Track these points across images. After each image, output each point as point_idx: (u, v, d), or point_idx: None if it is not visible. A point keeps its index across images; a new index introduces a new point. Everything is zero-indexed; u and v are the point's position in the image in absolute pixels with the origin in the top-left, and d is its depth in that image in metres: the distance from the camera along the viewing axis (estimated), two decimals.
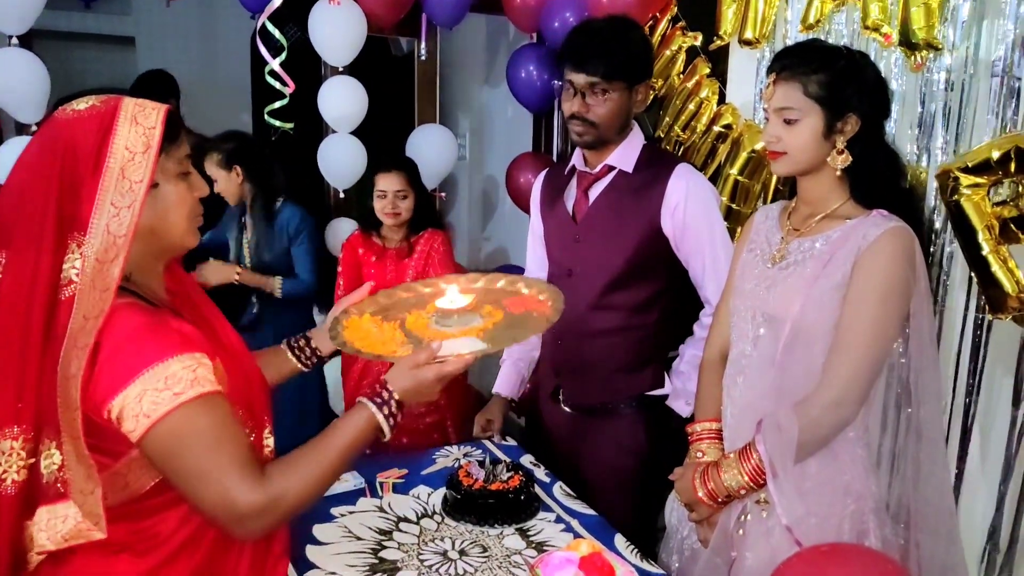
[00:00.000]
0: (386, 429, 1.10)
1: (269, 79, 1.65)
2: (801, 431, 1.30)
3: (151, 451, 0.96)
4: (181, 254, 1.11)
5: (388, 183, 2.44)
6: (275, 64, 1.62)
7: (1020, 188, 1.49)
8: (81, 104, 0.97)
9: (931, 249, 1.72)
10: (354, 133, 2.91)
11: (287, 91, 1.68)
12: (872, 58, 1.46)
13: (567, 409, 1.92)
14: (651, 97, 1.81)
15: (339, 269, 2.61)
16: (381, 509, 1.63)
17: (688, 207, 1.73)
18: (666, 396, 1.87)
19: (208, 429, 0.96)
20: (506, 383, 2.06)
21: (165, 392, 0.93)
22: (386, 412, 1.10)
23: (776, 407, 1.35)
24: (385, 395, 1.11)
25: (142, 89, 3.39)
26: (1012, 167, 1.48)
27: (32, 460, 0.95)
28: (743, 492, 1.37)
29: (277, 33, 1.63)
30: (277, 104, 1.69)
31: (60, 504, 0.95)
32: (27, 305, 0.92)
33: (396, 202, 2.44)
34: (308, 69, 3.21)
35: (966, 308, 1.69)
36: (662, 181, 1.75)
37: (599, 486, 1.86)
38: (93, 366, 0.92)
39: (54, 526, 0.95)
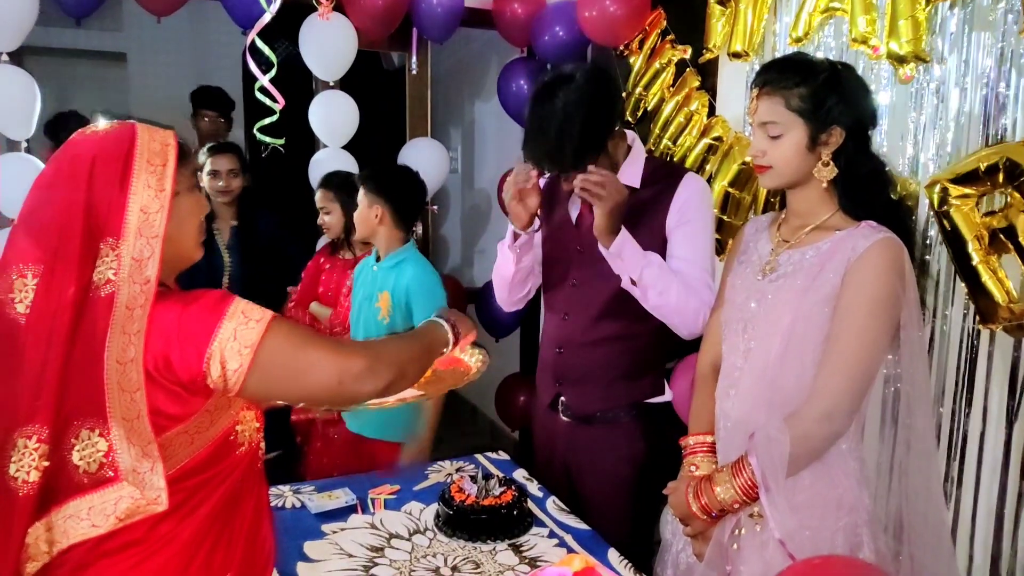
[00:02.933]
0: (448, 330, 1.35)
1: (259, 95, 1.65)
2: (793, 444, 1.30)
3: (260, 375, 1.06)
4: (186, 267, 1.19)
5: (318, 200, 2.61)
6: (265, 80, 1.63)
7: (1009, 199, 1.50)
8: (100, 125, 1.07)
9: (926, 259, 1.72)
10: (346, 147, 2.91)
11: (277, 107, 1.68)
12: (860, 70, 1.46)
13: (565, 419, 1.91)
14: (628, 117, 1.77)
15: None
16: (373, 526, 1.62)
17: (690, 203, 1.74)
18: (665, 404, 1.87)
19: (296, 332, 1.11)
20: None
21: (249, 323, 1.05)
22: (449, 320, 1.37)
23: (768, 420, 1.35)
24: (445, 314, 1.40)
25: (200, 100, 3.54)
26: (1001, 178, 1.48)
27: (46, 463, 0.99)
28: (736, 506, 1.36)
29: (266, 49, 1.63)
30: (267, 120, 1.69)
31: (109, 488, 1.01)
32: (54, 314, 0.99)
33: (322, 217, 2.63)
34: (299, 84, 3.22)
35: (963, 320, 1.69)
36: (669, 192, 1.75)
37: (597, 497, 1.86)
38: (174, 337, 1.02)
39: (104, 510, 1.01)
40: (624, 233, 1.66)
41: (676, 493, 1.48)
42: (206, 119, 3.48)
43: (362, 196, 2.26)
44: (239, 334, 1.04)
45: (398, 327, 2.26)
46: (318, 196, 2.62)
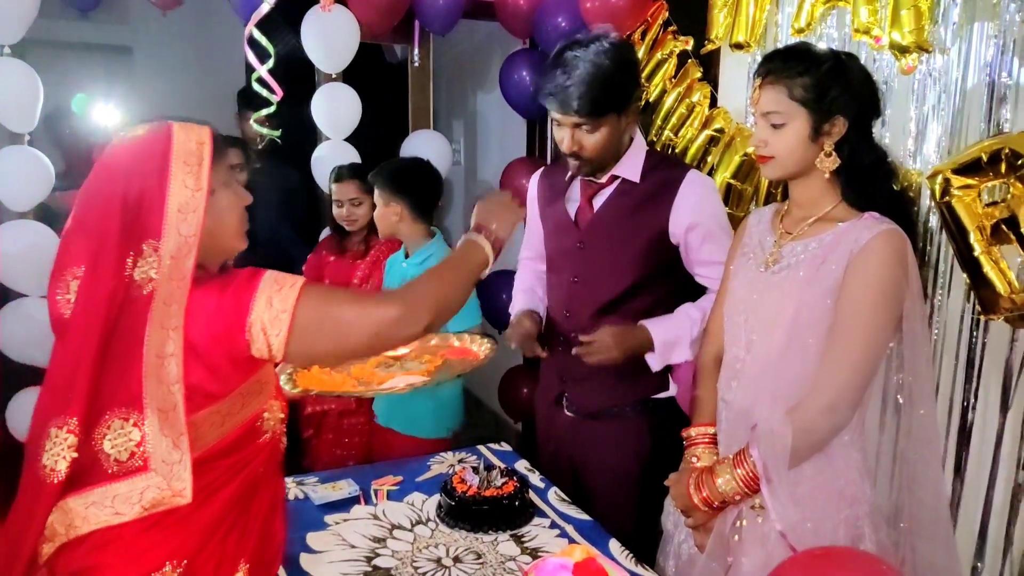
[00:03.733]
0: (485, 246, 1.37)
1: (256, 86, 1.66)
2: (795, 436, 1.30)
3: (300, 336, 1.10)
4: (231, 257, 1.23)
5: (342, 192, 2.53)
6: (263, 71, 1.63)
7: (1011, 189, 1.49)
8: (137, 131, 1.11)
9: (928, 250, 1.72)
10: (348, 139, 2.91)
11: (274, 99, 1.69)
12: (863, 60, 1.46)
13: (570, 414, 1.91)
14: (642, 105, 1.78)
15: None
16: (375, 516, 1.63)
17: (704, 220, 1.72)
18: (670, 399, 1.87)
19: (329, 292, 1.20)
20: (527, 303, 2.00)
21: (284, 289, 1.11)
22: (487, 233, 1.39)
23: (771, 412, 1.35)
24: (479, 230, 1.40)
25: (247, 100, 3.38)
26: (1003, 168, 1.48)
27: (75, 454, 1.03)
28: (738, 498, 1.37)
29: (264, 40, 1.63)
30: (263, 112, 1.70)
31: (137, 477, 1.04)
32: (92, 310, 1.04)
33: (351, 209, 2.55)
34: (302, 76, 3.22)
35: (963, 310, 1.68)
36: (671, 189, 1.73)
37: (602, 491, 1.86)
38: (216, 315, 1.08)
39: (130, 498, 1.04)
40: (653, 335, 1.74)
41: (678, 485, 1.48)
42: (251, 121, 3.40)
43: (377, 196, 2.25)
44: (275, 301, 1.09)
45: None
46: (347, 187, 2.52)
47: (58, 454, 1.03)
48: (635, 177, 1.76)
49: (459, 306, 1.31)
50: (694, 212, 1.72)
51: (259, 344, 1.09)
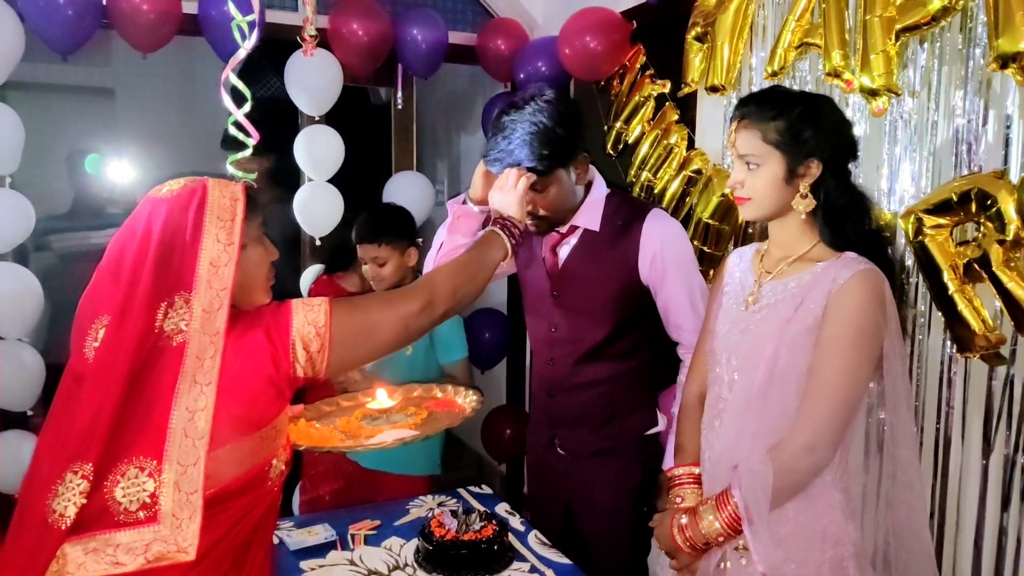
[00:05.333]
0: (505, 239, 1.46)
1: (232, 130, 1.67)
2: (776, 476, 1.29)
3: (341, 348, 1.17)
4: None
5: (365, 252, 2.37)
6: (239, 114, 1.64)
7: (982, 228, 1.52)
8: (174, 185, 1.15)
9: (906, 289, 1.73)
10: (331, 181, 2.92)
11: (251, 142, 1.70)
12: (836, 102, 1.49)
13: (562, 453, 1.90)
14: (588, 163, 1.76)
15: None
16: (352, 562, 1.59)
17: (665, 255, 1.73)
18: (659, 434, 1.86)
19: (354, 302, 1.24)
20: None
21: (313, 308, 1.17)
22: (500, 225, 1.48)
23: (751, 451, 1.34)
24: (498, 223, 1.49)
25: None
26: (973, 207, 1.50)
27: (84, 500, 1.01)
28: (721, 539, 1.35)
29: (240, 85, 1.65)
30: (239, 155, 1.71)
31: (145, 528, 1.03)
32: (116, 359, 1.04)
33: (376, 269, 2.36)
34: (287, 119, 3.24)
35: (942, 348, 1.69)
36: (635, 231, 1.74)
37: (595, 529, 1.85)
38: (257, 351, 1.12)
39: (134, 548, 1.03)
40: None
41: (661, 526, 1.46)
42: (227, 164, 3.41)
43: (390, 250, 2.27)
44: (309, 319, 1.16)
45: (419, 359, 2.32)
46: (373, 250, 2.30)
47: (69, 499, 1.01)
48: (595, 226, 1.76)
49: (475, 297, 1.38)
50: (657, 254, 1.73)
51: (303, 362, 1.14)
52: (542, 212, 1.70)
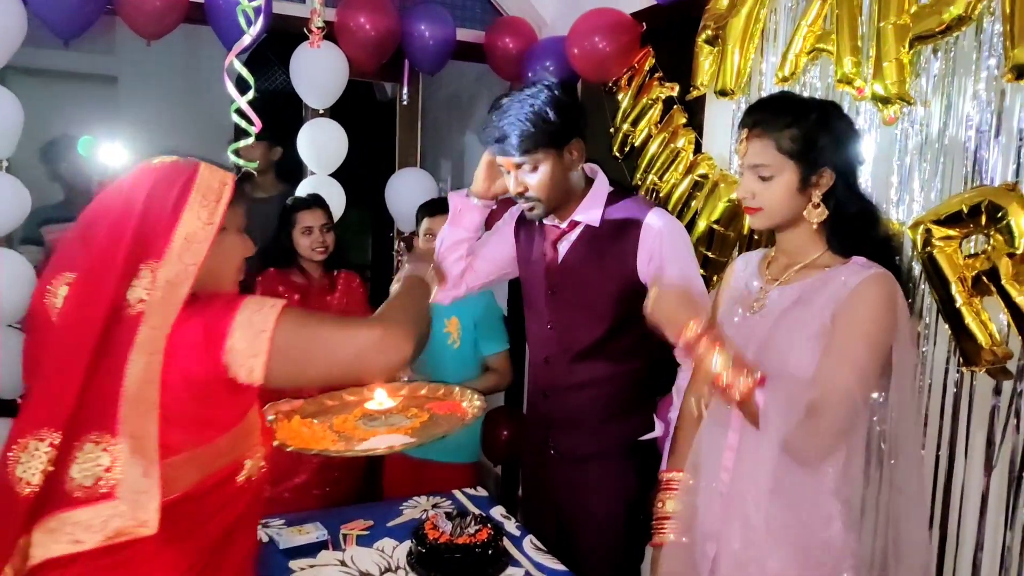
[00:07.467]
0: (432, 277, 1.49)
1: (235, 117, 1.65)
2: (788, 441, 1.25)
3: (281, 359, 1.07)
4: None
5: (314, 218, 2.47)
6: (242, 102, 1.62)
7: (992, 241, 1.49)
8: (166, 158, 1.13)
9: (912, 300, 1.71)
10: (334, 175, 2.90)
11: (253, 130, 1.68)
12: (846, 109, 1.46)
13: (557, 457, 1.88)
14: (584, 152, 1.75)
15: None
16: (343, 563, 1.57)
17: (664, 251, 1.71)
18: (655, 440, 1.84)
19: (308, 315, 1.16)
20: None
21: (263, 310, 1.08)
22: (424, 267, 1.49)
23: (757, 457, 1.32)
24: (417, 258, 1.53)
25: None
26: (983, 220, 1.48)
27: (51, 468, 0.99)
28: (721, 380, 1.27)
29: (244, 71, 1.63)
30: (242, 143, 1.69)
31: (102, 504, 1.00)
32: (84, 326, 1.02)
33: (323, 236, 2.48)
34: (292, 111, 3.22)
35: (947, 361, 1.67)
36: (634, 229, 1.72)
37: (587, 534, 1.83)
38: (200, 340, 1.06)
39: (91, 526, 1.00)
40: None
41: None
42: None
43: (433, 226, 2.34)
44: (255, 320, 1.07)
45: (468, 353, 2.34)
46: (317, 214, 2.46)
47: (36, 468, 0.99)
48: (595, 222, 1.75)
49: (426, 334, 1.31)
50: (657, 246, 1.71)
51: (237, 367, 1.07)
52: (531, 193, 1.69)
